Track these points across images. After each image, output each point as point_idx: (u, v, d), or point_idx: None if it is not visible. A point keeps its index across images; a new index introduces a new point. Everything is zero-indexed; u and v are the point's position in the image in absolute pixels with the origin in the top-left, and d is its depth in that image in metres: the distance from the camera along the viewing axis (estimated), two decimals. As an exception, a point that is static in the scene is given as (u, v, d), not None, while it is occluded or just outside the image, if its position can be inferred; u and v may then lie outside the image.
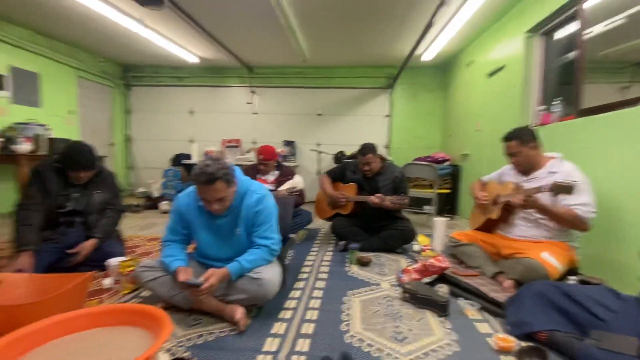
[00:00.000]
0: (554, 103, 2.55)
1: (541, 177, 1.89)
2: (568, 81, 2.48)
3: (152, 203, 4.65)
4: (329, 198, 2.83)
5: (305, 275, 2.13)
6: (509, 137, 1.98)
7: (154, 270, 1.55)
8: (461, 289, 1.82)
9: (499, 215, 2.02)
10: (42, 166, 2.02)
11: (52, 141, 3.65)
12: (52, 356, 1.07)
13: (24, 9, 3.41)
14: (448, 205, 4.34)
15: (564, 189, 1.61)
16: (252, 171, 2.95)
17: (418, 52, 4.14)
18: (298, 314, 1.61)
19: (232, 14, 3.42)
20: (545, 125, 2.56)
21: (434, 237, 2.73)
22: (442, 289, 1.82)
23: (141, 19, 3.43)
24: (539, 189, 1.74)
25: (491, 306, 1.64)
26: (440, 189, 4.14)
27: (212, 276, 1.40)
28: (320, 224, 3.57)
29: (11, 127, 3.52)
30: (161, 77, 5.58)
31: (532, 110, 2.92)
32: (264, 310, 1.62)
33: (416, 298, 1.71)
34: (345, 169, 2.91)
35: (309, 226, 3.17)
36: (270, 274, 1.52)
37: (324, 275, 2.14)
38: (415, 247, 2.65)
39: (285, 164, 4.00)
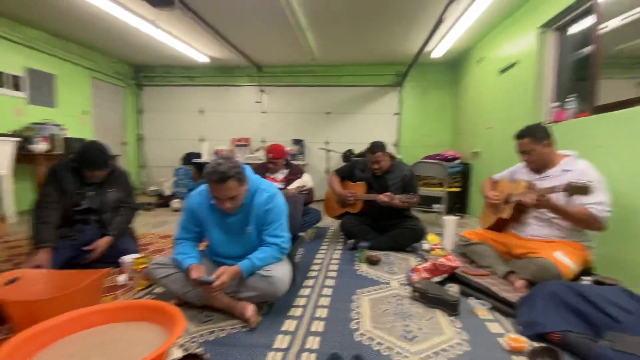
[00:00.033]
0: (568, 100, 2.49)
1: (555, 175, 1.86)
2: (583, 77, 2.43)
3: (163, 201, 4.73)
4: (338, 197, 2.84)
5: (314, 274, 2.15)
6: (521, 135, 1.95)
7: (167, 268, 1.58)
8: (472, 289, 1.81)
9: (511, 215, 1.99)
10: (58, 166, 2.07)
11: (68, 141, 3.74)
12: (70, 350, 1.11)
13: (40, 12, 3.49)
14: (458, 204, 4.29)
15: (579, 189, 1.57)
16: (262, 170, 2.97)
17: (428, 49, 4.10)
18: (308, 311, 1.62)
19: (241, 14, 3.44)
20: (559, 123, 2.51)
21: (444, 236, 2.71)
22: (453, 289, 1.81)
23: (153, 20, 3.48)
24: (552, 189, 1.70)
25: (502, 306, 1.62)
26: (450, 187, 4.10)
27: (223, 274, 1.42)
28: (329, 222, 3.58)
29: (28, 127, 3.62)
30: (172, 77, 5.65)
31: (546, 107, 2.87)
32: (274, 307, 1.64)
33: (426, 297, 1.70)
34: (354, 167, 2.90)
35: (318, 224, 3.19)
36: (281, 272, 1.54)
37: (333, 274, 2.15)
38: (425, 246, 2.63)
39: (294, 162, 4.01)
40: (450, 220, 2.70)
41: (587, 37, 2.42)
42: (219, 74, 5.58)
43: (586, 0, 2.33)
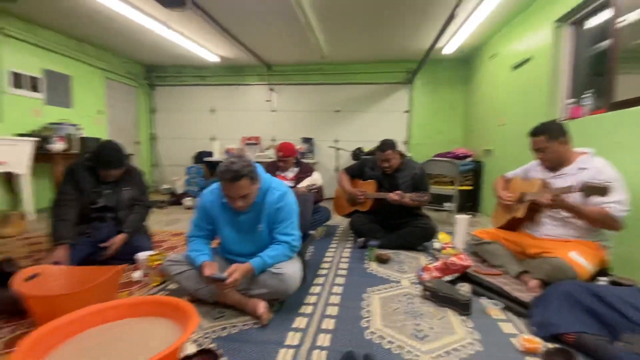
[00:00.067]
0: (584, 96, 2.43)
1: (570, 174, 1.82)
2: (600, 72, 2.37)
3: (175, 199, 4.81)
4: (348, 195, 2.84)
5: (324, 272, 2.16)
6: (536, 132, 1.90)
7: (180, 265, 1.61)
8: (484, 288, 1.79)
9: (525, 214, 1.95)
10: (75, 165, 2.13)
11: (83, 140, 3.84)
12: (88, 344, 1.15)
13: (56, 14, 3.58)
14: (470, 202, 4.24)
15: (597, 190, 1.53)
16: (272, 168, 3.00)
17: (439, 45, 4.05)
18: (318, 309, 1.63)
19: (251, 13, 3.46)
20: (575, 119, 2.45)
21: (455, 234, 2.69)
22: (464, 288, 1.79)
23: (165, 21, 3.53)
24: (568, 189, 1.66)
25: (515, 306, 1.60)
26: (462, 185, 4.06)
27: (236, 271, 1.45)
28: (339, 221, 3.58)
29: (46, 127, 3.73)
30: (183, 76, 5.73)
31: (561, 104, 2.81)
32: (285, 304, 1.65)
33: (437, 296, 1.69)
34: (363, 165, 2.90)
35: (328, 223, 3.19)
36: (291, 270, 1.55)
37: (343, 272, 2.16)
38: (436, 245, 2.61)
39: (304, 160, 4.02)
40: (461, 218, 2.68)
41: (604, 31, 2.35)
42: (229, 74, 5.63)
43: (604, -7, 2.27)
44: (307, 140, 5.41)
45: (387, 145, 2.64)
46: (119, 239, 2.10)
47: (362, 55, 4.98)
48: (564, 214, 1.80)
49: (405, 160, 2.77)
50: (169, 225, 3.55)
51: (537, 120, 2.06)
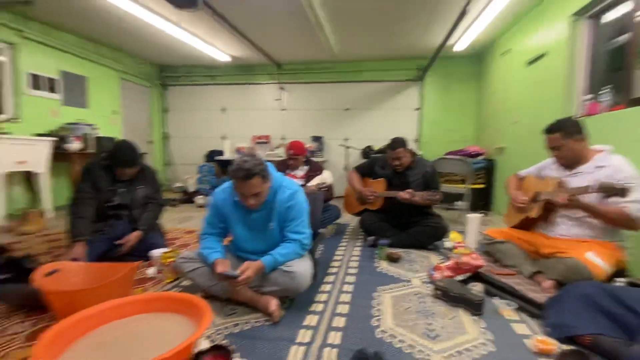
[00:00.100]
0: (601, 92, 2.37)
1: (587, 172, 1.77)
2: (618, 67, 2.30)
3: (188, 197, 4.88)
4: (357, 194, 2.83)
5: (334, 270, 2.16)
6: (551, 129, 1.86)
7: (193, 262, 1.64)
8: (496, 288, 1.77)
9: (539, 214, 1.91)
10: (92, 164, 2.19)
11: (99, 140, 3.93)
12: (106, 338, 1.18)
13: (73, 17, 3.67)
14: (482, 201, 4.18)
15: (616, 191, 1.49)
16: (282, 166, 3.01)
17: (450, 42, 3.99)
18: (329, 307, 1.64)
19: (261, 12, 3.48)
20: (592, 116, 2.39)
21: (467, 234, 2.66)
22: (476, 287, 1.78)
23: (178, 22, 3.58)
24: (586, 189, 1.62)
25: (529, 307, 1.57)
26: (474, 184, 4.00)
27: (248, 269, 1.46)
28: (349, 219, 3.58)
29: (63, 127, 3.84)
30: (194, 76, 5.80)
31: (577, 100, 2.74)
32: (295, 302, 1.66)
33: (449, 296, 1.68)
34: (373, 164, 2.88)
35: (338, 221, 3.20)
36: (302, 268, 1.56)
37: (354, 270, 2.16)
38: (447, 244, 2.59)
39: (314, 159, 4.03)
40: (473, 217, 2.64)
41: (623, 25, 2.28)
42: (239, 73, 5.68)
43: (623, -14, 2.20)
44: (316, 139, 5.42)
45: (398, 143, 2.62)
46: (134, 236, 2.15)
47: (373, 52, 4.95)
48: (580, 213, 1.76)
49: (416, 158, 2.75)
50: (181, 222, 3.61)
51: (552, 117, 2.02)
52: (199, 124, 5.91)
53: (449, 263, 1.93)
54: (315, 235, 1.93)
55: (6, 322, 1.46)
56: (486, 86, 4.75)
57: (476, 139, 5.06)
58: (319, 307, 1.63)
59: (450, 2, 3.18)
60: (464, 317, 1.55)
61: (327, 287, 1.88)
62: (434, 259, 2.39)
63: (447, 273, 1.90)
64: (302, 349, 1.29)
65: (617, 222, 1.65)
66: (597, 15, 2.59)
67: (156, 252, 2.05)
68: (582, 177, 1.76)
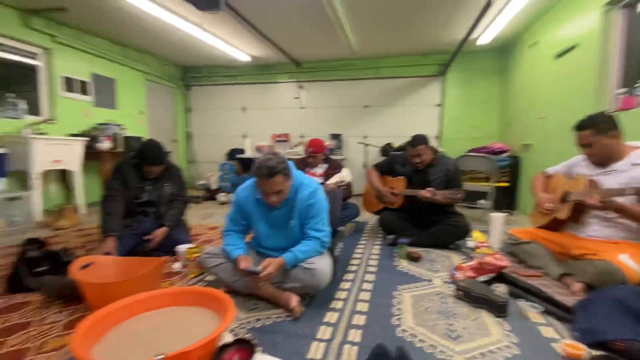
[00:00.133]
0: (637, 85, 2.24)
1: (623, 170, 1.68)
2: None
3: (210, 195, 5.01)
4: (377, 192, 2.82)
5: (354, 268, 2.17)
6: (582, 126, 1.77)
7: (217, 257, 1.70)
8: (522, 290, 1.71)
9: (569, 215, 1.83)
10: (122, 163, 2.29)
11: (127, 139, 4.10)
12: (136, 329, 1.24)
13: (103, 22, 3.84)
14: (506, 200, 4.05)
15: None
16: (301, 164, 3.04)
17: (473, 36, 3.88)
18: (349, 305, 1.65)
19: (281, 11, 3.51)
20: (627, 111, 2.26)
21: (490, 233, 2.59)
22: (499, 289, 1.74)
23: (200, 24, 3.67)
24: (622, 191, 1.54)
25: (557, 310, 1.52)
26: (498, 182, 3.88)
27: (269, 265, 1.50)
28: (368, 217, 3.57)
29: (94, 127, 4.03)
30: (215, 76, 5.93)
31: (611, 94, 2.60)
32: (316, 299, 1.68)
33: (471, 296, 1.65)
34: (393, 162, 2.85)
35: (357, 219, 3.19)
36: (322, 265, 1.58)
37: (373, 269, 2.15)
38: (470, 244, 2.53)
39: (333, 157, 4.04)
40: (497, 217, 2.57)
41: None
42: (259, 72, 5.75)
43: (663, -28, 2.06)
44: (335, 137, 5.42)
45: (418, 140, 2.58)
46: (160, 232, 2.24)
47: (393, 49, 4.88)
48: (613, 214, 1.68)
49: (438, 155, 2.69)
50: (205, 219, 3.71)
51: (582, 112, 1.93)
52: (221, 123, 6.04)
53: (472, 263, 1.90)
54: (335, 233, 1.94)
55: (45, 312, 1.57)
56: (511, 81, 4.58)
57: (500, 136, 4.90)
58: (338, 305, 1.65)
59: (474, -6, 3.10)
60: (487, 318, 1.52)
61: (347, 285, 1.89)
62: (455, 258, 2.35)
63: (470, 273, 1.86)
64: (323, 345, 1.31)
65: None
66: (633, 4, 2.44)
67: (182, 248, 2.12)
68: (617, 176, 1.68)
